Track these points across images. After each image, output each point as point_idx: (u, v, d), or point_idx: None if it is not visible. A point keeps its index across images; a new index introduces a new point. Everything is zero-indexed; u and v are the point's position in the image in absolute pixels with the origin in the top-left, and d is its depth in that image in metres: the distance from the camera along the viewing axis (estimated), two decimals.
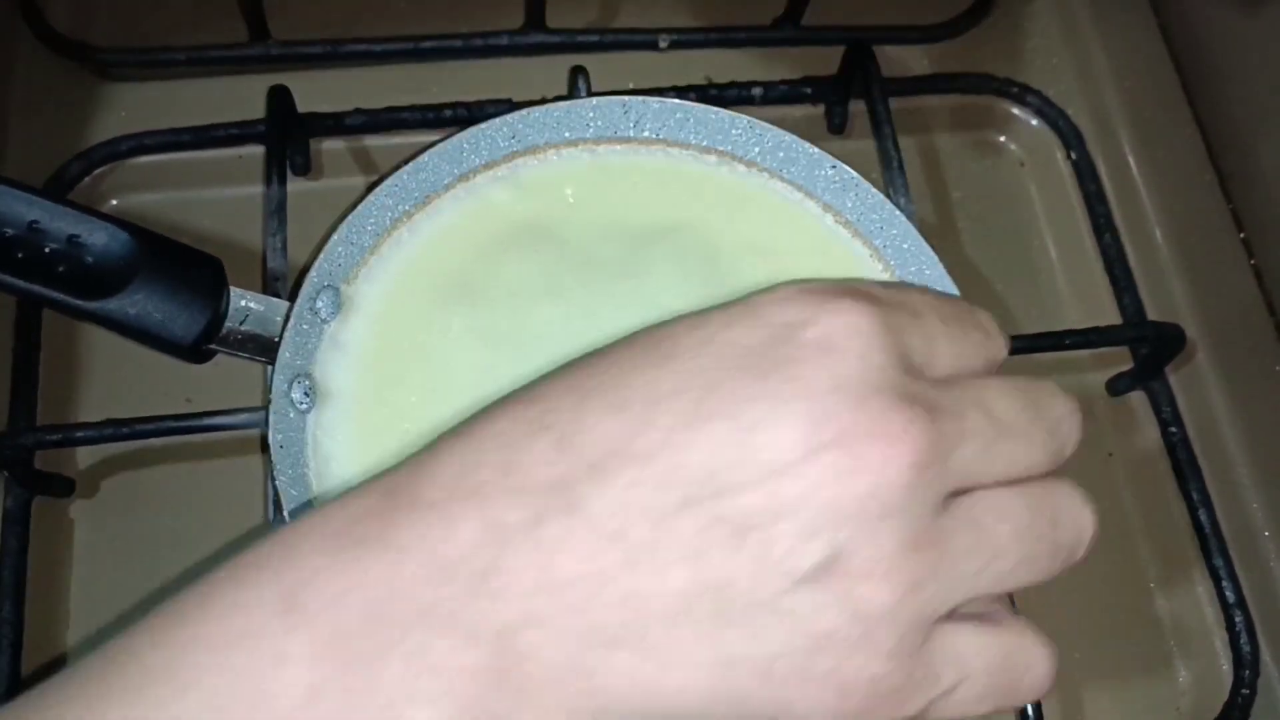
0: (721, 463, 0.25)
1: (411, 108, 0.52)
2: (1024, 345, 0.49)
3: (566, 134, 0.46)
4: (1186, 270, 0.54)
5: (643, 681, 0.25)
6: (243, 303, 0.41)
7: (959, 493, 0.26)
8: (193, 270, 0.40)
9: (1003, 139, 0.58)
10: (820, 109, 0.57)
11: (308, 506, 0.40)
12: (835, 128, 0.57)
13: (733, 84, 0.54)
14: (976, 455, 0.26)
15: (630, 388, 0.26)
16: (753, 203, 0.45)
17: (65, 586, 0.46)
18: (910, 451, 0.25)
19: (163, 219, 0.51)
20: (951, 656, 0.26)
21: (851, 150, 0.52)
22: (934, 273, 0.44)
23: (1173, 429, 0.51)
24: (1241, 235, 0.54)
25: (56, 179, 0.51)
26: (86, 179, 0.51)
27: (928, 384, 0.27)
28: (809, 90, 0.56)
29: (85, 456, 0.48)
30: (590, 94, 0.49)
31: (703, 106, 0.45)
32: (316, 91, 0.52)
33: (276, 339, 0.42)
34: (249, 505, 0.46)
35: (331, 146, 0.53)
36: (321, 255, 0.43)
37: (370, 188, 0.44)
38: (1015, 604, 0.44)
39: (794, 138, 0.46)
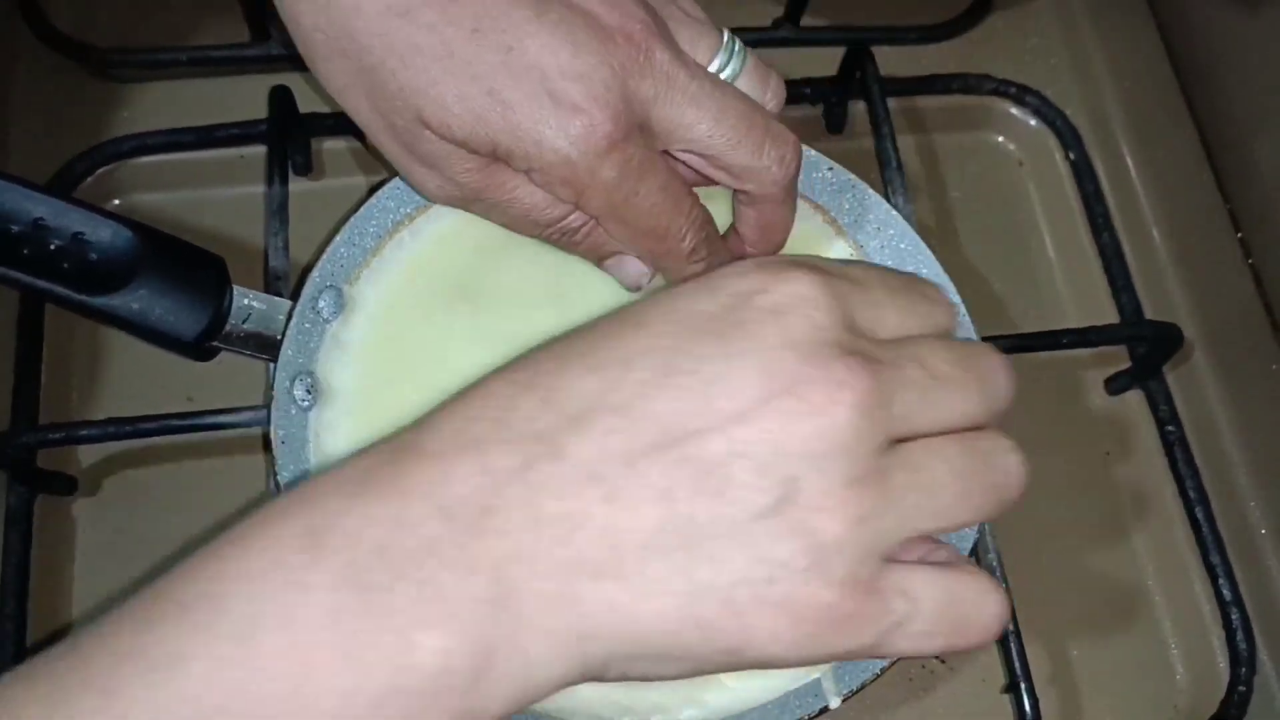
0: (686, 411, 0.28)
1: None
2: (1022, 344, 0.49)
3: None
4: (1184, 270, 0.54)
5: (622, 608, 0.28)
6: (245, 301, 0.42)
7: (900, 441, 0.29)
8: (196, 268, 0.41)
9: (1001, 139, 0.59)
10: (819, 109, 0.57)
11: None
12: (834, 128, 0.57)
13: None
14: (914, 402, 0.30)
15: (606, 350, 0.30)
16: None
17: (68, 585, 0.46)
18: (852, 394, 0.28)
19: (165, 218, 0.51)
20: (901, 591, 0.29)
21: (850, 150, 0.53)
22: (931, 272, 0.44)
23: (1170, 428, 0.51)
24: (1239, 235, 0.55)
25: (59, 179, 0.51)
26: (89, 179, 0.52)
27: (869, 342, 0.30)
28: (808, 90, 0.56)
29: (87, 455, 0.48)
30: None
31: None
32: (318, 91, 0.52)
33: (278, 337, 0.42)
34: (251, 502, 0.46)
35: (332, 146, 0.54)
36: (324, 256, 0.43)
37: (372, 190, 0.44)
38: (1012, 599, 0.44)
39: None
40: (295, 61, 0.54)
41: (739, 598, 0.28)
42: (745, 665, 0.29)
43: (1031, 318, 0.55)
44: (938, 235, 0.48)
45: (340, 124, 0.52)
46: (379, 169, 0.53)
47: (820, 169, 0.45)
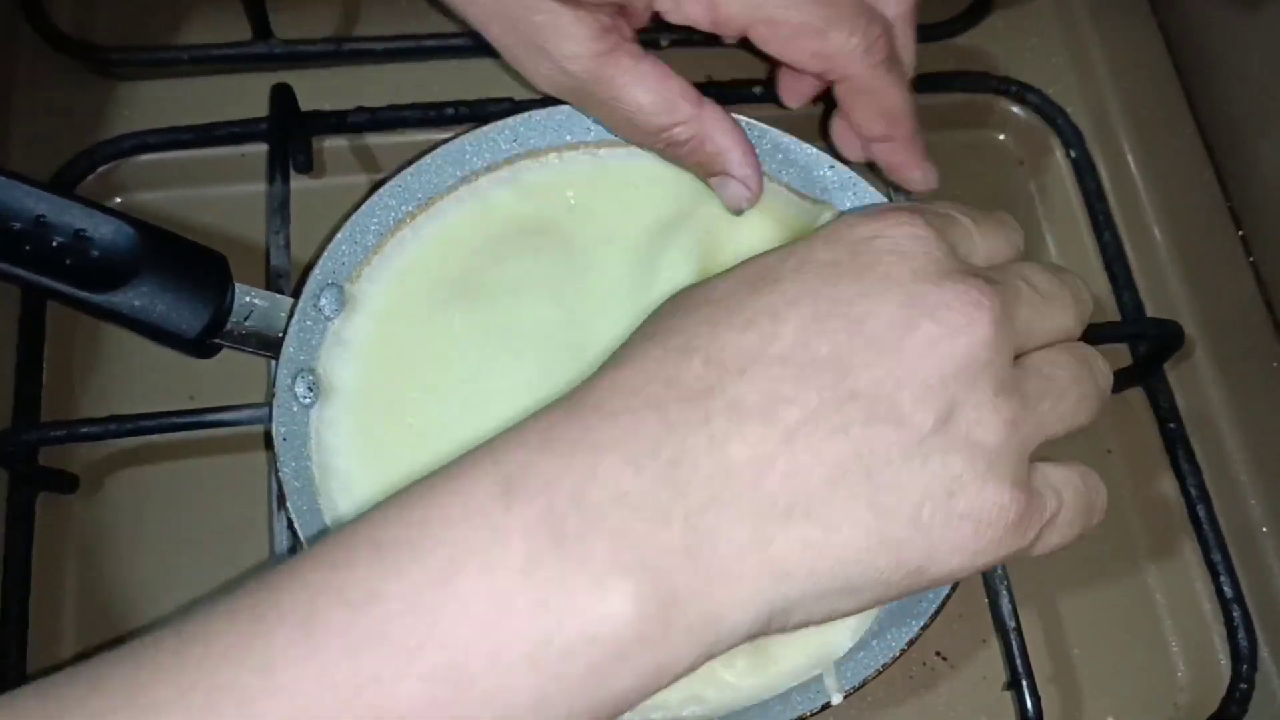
0: (844, 351, 0.30)
1: (414, 106, 0.52)
2: None
3: (568, 137, 0.46)
4: (1185, 268, 0.54)
5: (815, 544, 0.29)
6: (247, 298, 0.42)
7: (1019, 355, 0.32)
8: (198, 265, 0.41)
9: (1002, 137, 0.59)
10: (819, 108, 0.57)
11: (311, 497, 0.41)
12: None
13: (733, 83, 0.54)
14: (1031, 317, 0.33)
15: (752, 308, 0.31)
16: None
17: (69, 582, 0.46)
18: (988, 313, 0.31)
19: (166, 216, 0.51)
20: (1049, 487, 0.32)
21: None
22: None
23: (1171, 425, 0.51)
24: (1240, 233, 0.55)
25: (60, 177, 0.51)
26: (90, 177, 0.52)
27: (978, 267, 0.33)
28: None
29: (89, 452, 0.48)
30: None
31: None
32: (319, 90, 0.52)
33: (280, 335, 0.42)
34: (252, 501, 0.46)
35: (334, 144, 0.54)
36: (325, 254, 0.43)
37: (374, 188, 0.44)
38: (1012, 592, 0.44)
39: (793, 138, 0.46)
40: (296, 60, 0.54)
41: (924, 515, 0.30)
42: (926, 584, 0.31)
43: None
44: None
45: (341, 122, 0.52)
46: (380, 167, 0.53)
47: (821, 167, 0.45)
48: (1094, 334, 0.51)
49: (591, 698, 0.28)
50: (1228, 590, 0.48)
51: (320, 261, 0.43)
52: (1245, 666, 0.47)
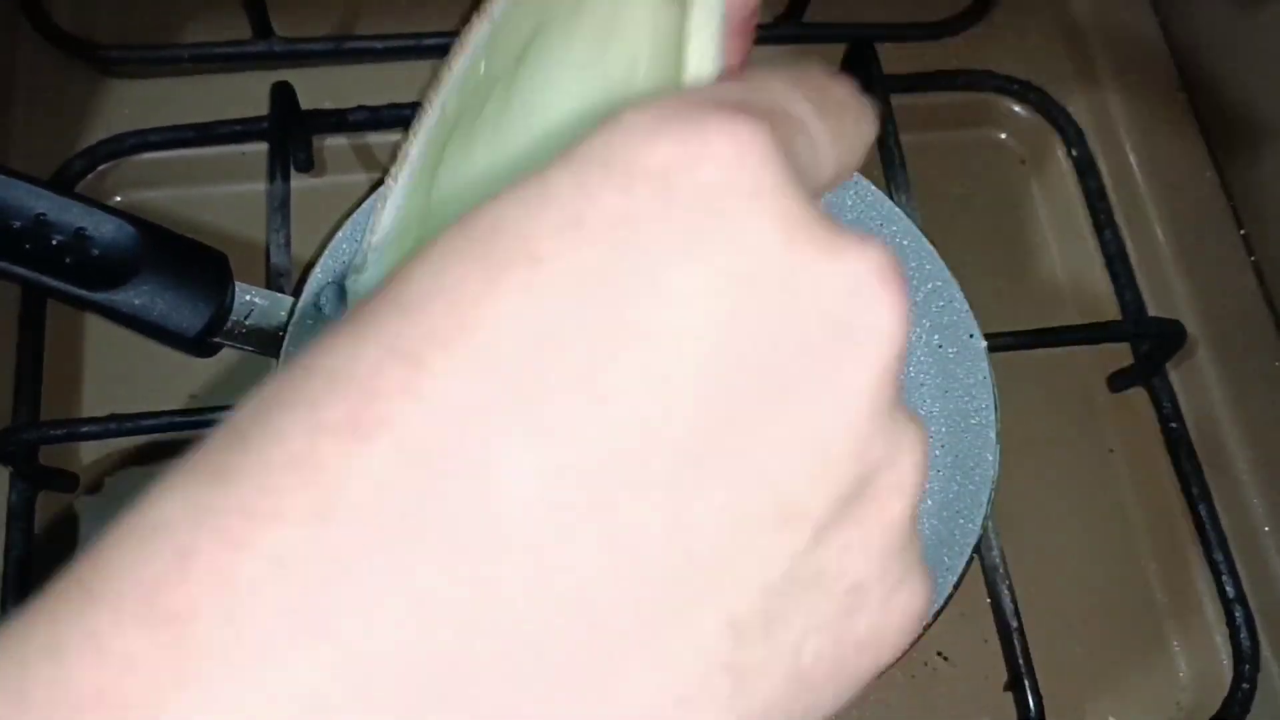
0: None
1: (414, 104, 0.52)
2: (1025, 341, 0.49)
3: None
4: (1187, 267, 0.54)
5: None
6: (247, 297, 0.42)
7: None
8: (198, 264, 0.41)
9: (1003, 136, 0.59)
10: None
11: None
12: None
13: None
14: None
15: (487, 330, 0.16)
16: None
17: None
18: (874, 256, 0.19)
19: (166, 215, 0.51)
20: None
21: None
22: (934, 268, 0.44)
23: (1173, 425, 0.51)
24: (1242, 232, 0.55)
25: (60, 175, 0.51)
26: (90, 175, 0.52)
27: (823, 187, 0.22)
28: None
29: (89, 452, 0.48)
30: None
31: None
32: (319, 88, 0.52)
33: (280, 333, 0.42)
34: None
35: (334, 143, 0.53)
36: (326, 252, 0.43)
37: (374, 187, 0.44)
38: (1014, 591, 0.44)
39: None
40: (297, 58, 0.54)
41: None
42: None
43: (1034, 315, 0.54)
44: (939, 232, 0.48)
45: (342, 121, 0.52)
46: (380, 165, 0.53)
47: None
48: (1097, 333, 0.52)
49: None
50: (1230, 590, 0.48)
51: (321, 260, 0.43)
52: (1247, 666, 0.47)
